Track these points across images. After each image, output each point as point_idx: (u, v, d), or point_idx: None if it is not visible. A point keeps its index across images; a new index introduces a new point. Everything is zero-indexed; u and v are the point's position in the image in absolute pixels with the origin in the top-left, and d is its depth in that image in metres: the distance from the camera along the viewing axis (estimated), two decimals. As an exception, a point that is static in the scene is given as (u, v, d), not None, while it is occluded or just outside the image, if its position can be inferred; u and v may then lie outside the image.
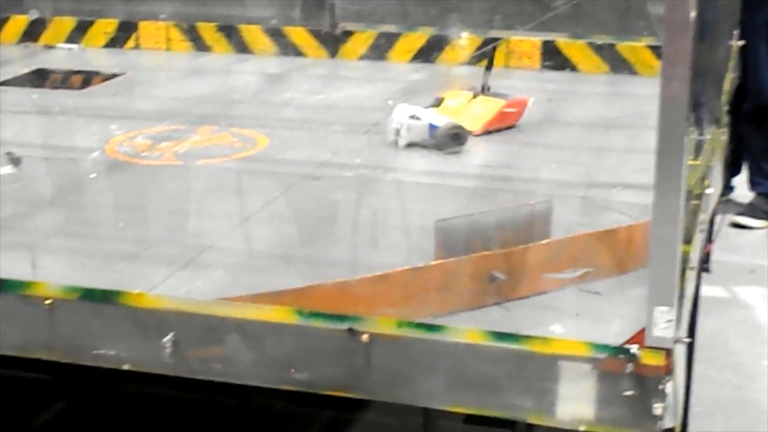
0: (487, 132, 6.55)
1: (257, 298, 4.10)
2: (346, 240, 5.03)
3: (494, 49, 7.32)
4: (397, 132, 6.31)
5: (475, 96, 6.85)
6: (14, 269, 4.45)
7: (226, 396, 5.86)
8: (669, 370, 3.68)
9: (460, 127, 6.37)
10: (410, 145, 6.28)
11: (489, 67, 7.04)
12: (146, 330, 4.14)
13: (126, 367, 4.21)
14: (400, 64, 8.62)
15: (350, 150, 6.29)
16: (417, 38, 8.67)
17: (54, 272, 4.50)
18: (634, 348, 3.68)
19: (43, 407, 6.70)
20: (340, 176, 5.88)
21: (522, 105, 6.83)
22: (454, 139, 6.28)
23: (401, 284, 4.24)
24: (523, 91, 7.23)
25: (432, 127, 6.30)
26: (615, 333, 3.92)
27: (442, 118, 6.40)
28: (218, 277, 4.56)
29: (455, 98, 6.85)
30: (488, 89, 6.95)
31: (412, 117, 6.35)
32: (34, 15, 9.31)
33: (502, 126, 6.63)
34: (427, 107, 6.62)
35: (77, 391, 6.69)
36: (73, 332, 4.22)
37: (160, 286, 4.40)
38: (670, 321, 3.63)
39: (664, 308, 3.62)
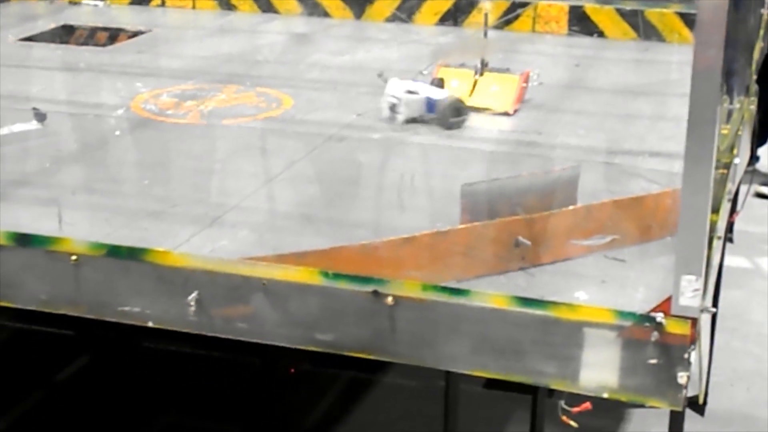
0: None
1: (282, 259, 4.11)
2: (370, 202, 5.02)
3: (486, 15, 7.03)
4: (394, 107, 6.08)
5: (477, 74, 6.54)
6: (40, 224, 4.47)
7: (248, 355, 5.89)
8: (694, 340, 3.67)
9: (460, 100, 6.13)
10: (409, 121, 6.07)
11: (485, 33, 6.85)
12: (171, 287, 4.15)
13: (150, 324, 4.23)
14: (426, 27, 8.57)
15: (377, 112, 6.25)
16: (443, 1, 8.61)
17: (79, 228, 4.51)
18: (659, 316, 3.67)
19: (65, 362, 6.74)
20: (365, 138, 5.86)
21: (525, 77, 6.55)
22: (454, 113, 6.04)
23: (426, 247, 4.23)
24: (551, 56, 7.19)
25: (430, 101, 6.08)
26: (640, 301, 3.91)
27: (440, 92, 6.18)
28: (243, 236, 4.56)
29: (457, 78, 6.52)
30: (487, 65, 6.58)
31: (409, 91, 6.13)
32: (62, -28, 9.30)
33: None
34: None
35: (100, 347, 6.73)
36: (98, 288, 4.24)
37: (185, 245, 4.40)
38: (696, 290, 3.62)
39: (692, 277, 3.61)
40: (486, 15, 7.23)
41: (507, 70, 6.59)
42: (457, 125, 6.03)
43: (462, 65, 6.61)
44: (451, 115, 6.02)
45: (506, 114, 6.25)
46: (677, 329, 3.65)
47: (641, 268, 4.31)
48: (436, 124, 6.02)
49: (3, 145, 5.60)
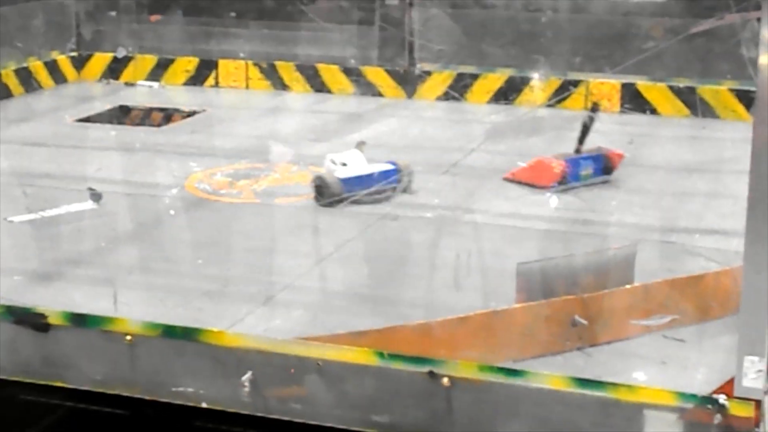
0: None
1: (337, 339, 4.08)
2: (425, 281, 5.00)
3: (591, 120, 6.93)
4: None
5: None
6: (96, 304, 4.49)
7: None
8: (758, 422, 3.59)
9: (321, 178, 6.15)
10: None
11: (581, 140, 6.72)
12: (225, 368, 4.13)
13: (204, 404, 4.20)
14: (478, 105, 8.59)
15: (429, 190, 6.26)
16: (495, 79, 8.65)
17: (134, 308, 4.52)
18: (722, 398, 3.60)
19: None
20: (418, 217, 5.86)
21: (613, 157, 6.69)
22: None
23: (482, 327, 4.20)
24: (604, 134, 7.17)
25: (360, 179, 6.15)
26: (701, 382, 3.84)
27: (372, 167, 6.26)
28: (297, 315, 4.55)
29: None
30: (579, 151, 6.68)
31: (342, 164, 6.29)
32: (122, 52, 9.45)
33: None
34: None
35: (152, 427, 6.71)
36: (152, 368, 4.23)
37: (240, 324, 4.40)
38: (760, 371, 3.54)
39: (755, 358, 3.54)
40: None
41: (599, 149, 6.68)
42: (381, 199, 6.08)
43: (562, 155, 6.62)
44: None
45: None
46: (741, 411, 3.57)
47: (701, 349, 4.24)
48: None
49: (60, 224, 5.66)
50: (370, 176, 6.13)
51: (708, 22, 7.60)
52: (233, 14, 9.33)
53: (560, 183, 6.43)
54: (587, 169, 6.54)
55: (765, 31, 3.34)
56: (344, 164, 6.23)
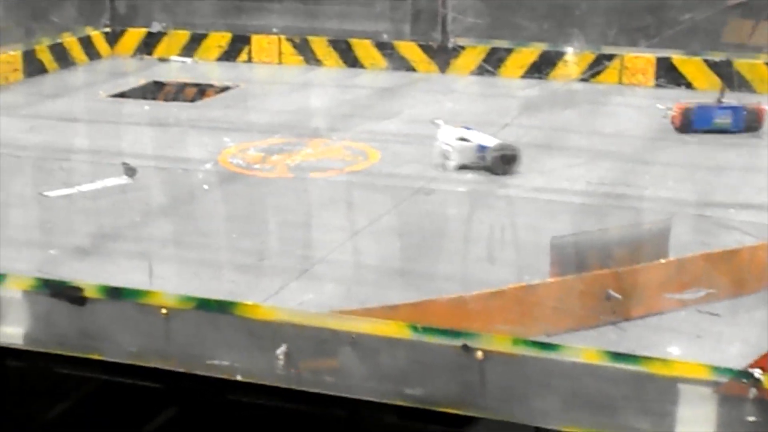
0: None
1: (370, 312, 4.09)
2: (459, 255, 5.00)
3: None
4: (445, 155, 6.23)
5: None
6: (131, 277, 4.52)
7: (335, 408, 5.87)
8: (794, 396, 3.57)
9: (512, 147, 6.24)
10: (461, 167, 6.18)
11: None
12: (259, 341, 4.15)
13: (239, 377, 4.23)
14: (511, 80, 8.56)
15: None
16: (529, 53, 8.61)
17: (169, 281, 4.55)
18: (757, 372, 3.58)
19: (154, 414, 6.78)
20: (452, 191, 5.85)
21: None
22: (504, 160, 6.14)
23: (516, 301, 4.19)
24: (639, 108, 7.14)
25: (481, 148, 6.21)
26: (736, 356, 3.82)
27: (491, 139, 6.29)
28: (331, 289, 4.56)
29: None
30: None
31: (461, 139, 6.26)
32: (156, 27, 9.48)
33: None
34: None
35: (187, 400, 6.75)
36: (187, 341, 4.26)
37: (274, 297, 4.41)
38: (796, 345, 3.53)
39: (790, 332, 3.53)
40: None
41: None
42: (507, 172, 6.11)
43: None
44: (500, 162, 6.13)
45: None
46: (776, 386, 3.56)
47: (737, 323, 4.22)
48: (487, 170, 6.12)
49: (95, 199, 5.69)
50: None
51: None
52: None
53: (680, 129, 6.87)
54: (723, 119, 6.97)
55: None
56: (464, 139, 6.24)
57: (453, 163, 6.18)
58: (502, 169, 6.07)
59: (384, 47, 9.05)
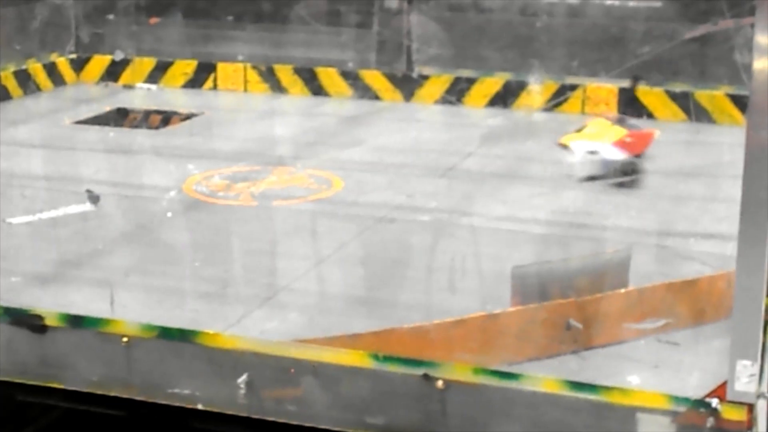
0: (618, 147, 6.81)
1: (332, 341, 4.10)
2: (421, 284, 5.01)
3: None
4: (575, 166, 6.61)
5: (612, 124, 7.15)
6: (92, 306, 4.50)
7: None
8: (750, 426, 3.60)
9: (633, 162, 6.62)
10: (589, 178, 6.54)
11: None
12: (221, 370, 4.15)
13: (200, 406, 4.22)
14: (476, 109, 8.60)
15: (426, 194, 6.28)
16: (493, 83, 8.67)
17: (131, 309, 4.53)
18: (715, 402, 3.61)
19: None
20: (415, 220, 5.87)
21: (643, 137, 6.99)
22: (625, 173, 6.53)
23: (478, 330, 4.21)
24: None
25: (606, 162, 6.58)
26: (694, 386, 3.85)
27: (618, 153, 6.64)
28: (293, 318, 4.56)
29: (596, 126, 7.12)
30: (624, 120, 7.24)
31: (590, 152, 6.62)
32: (119, 56, 9.46)
33: (631, 151, 6.85)
34: (569, 132, 6.99)
35: (150, 429, 6.71)
36: (149, 370, 4.25)
37: (236, 326, 4.41)
38: (753, 375, 3.56)
39: (747, 362, 3.55)
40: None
41: (634, 127, 7.09)
42: (629, 184, 6.47)
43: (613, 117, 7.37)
44: (622, 175, 6.51)
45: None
46: (733, 415, 3.59)
47: (695, 352, 4.26)
48: (610, 181, 6.47)
49: (58, 226, 5.67)
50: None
51: (702, 27, 7.64)
52: (231, 17, 9.34)
53: None
54: None
55: (758, 36, 3.35)
56: (594, 152, 6.59)
57: (581, 174, 6.59)
58: (621, 179, 6.51)
59: (349, 76, 9.07)
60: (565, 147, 6.83)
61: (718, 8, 7.55)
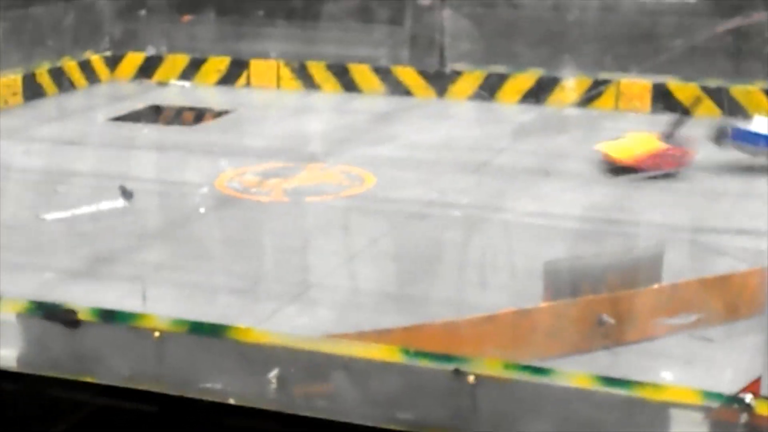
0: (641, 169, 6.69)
1: (363, 336, 4.09)
2: (452, 280, 4.99)
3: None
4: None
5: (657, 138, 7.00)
6: (125, 301, 4.52)
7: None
8: (785, 422, 3.56)
9: None
10: None
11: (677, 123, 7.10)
12: (252, 365, 4.14)
13: (231, 401, 4.21)
14: (508, 105, 8.57)
15: (458, 190, 6.26)
16: (526, 79, 8.62)
17: (163, 304, 4.54)
18: (748, 397, 3.57)
19: (148, 438, 6.76)
20: (446, 216, 5.85)
21: (682, 153, 6.87)
22: None
23: (508, 326, 4.19)
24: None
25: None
26: (728, 381, 3.82)
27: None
28: (324, 313, 4.56)
29: (634, 139, 7.02)
30: (671, 136, 6.97)
31: None
32: (150, 51, 9.50)
33: (656, 167, 6.70)
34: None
35: (182, 424, 6.73)
36: (180, 365, 4.25)
37: (267, 322, 4.41)
38: (787, 371, 3.52)
39: (782, 358, 3.52)
40: None
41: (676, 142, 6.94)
42: None
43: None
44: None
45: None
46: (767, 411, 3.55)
47: (729, 348, 4.21)
48: None
49: (91, 222, 5.69)
50: None
51: (735, 20, 7.57)
52: (263, 14, 9.35)
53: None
54: None
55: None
56: None
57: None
58: None
59: (382, 72, 9.06)
60: (601, 153, 6.76)
61: (752, 2, 7.49)
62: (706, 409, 3.64)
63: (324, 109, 8.65)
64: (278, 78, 9.33)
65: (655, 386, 3.71)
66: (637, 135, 7.08)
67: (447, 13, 8.83)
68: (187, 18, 9.60)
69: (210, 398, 4.24)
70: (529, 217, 5.82)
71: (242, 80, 9.42)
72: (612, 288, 4.40)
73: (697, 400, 3.67)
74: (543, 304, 4.32)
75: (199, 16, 9.57)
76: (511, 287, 4.83)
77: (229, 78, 9.43)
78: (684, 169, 6.76)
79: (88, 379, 4.39)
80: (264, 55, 9.37)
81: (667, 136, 6.91)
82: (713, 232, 5.52)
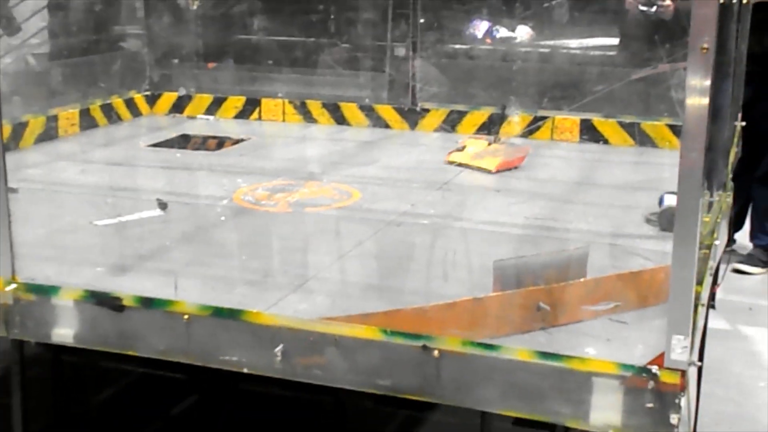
0: (499, 171, 6.94)
1: (350, 319, 4.10)
2: (422, 274, 5.01)
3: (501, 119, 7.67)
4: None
5: (489, 144, 7.25)
6: (160, 290, 4.51)
7: (323, 395, 5.84)
8: (683, 388, 3.60)
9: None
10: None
11: (497, 131, 7.49)
12: (262, 341, 4.15)
13: (245, 370, 4.22)
14: (466, 136, 8.57)
15: (426, 203, 6.28)
16: (480, 115, 8.65)
17: (191, 293, 4.54)
18: (655, 368, 3.61)
19: (179, 400, 6.74)
20: (417, 223, 5.87)
21: (524, 152, 7.18)
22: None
23: (466, 311, 4.20)
24: (566, 159, 7.18)
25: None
26: (639, 355, 3.84)
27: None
28: (320, 300, 4.56)
29: (474, 145, 7.21)
30: (498, 140, 7.35)
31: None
32: (182, 92, 9.49)
33: (509, 167, 7.00)
34: (450, 151, 7.05)
35: (206, 388, 6.73)
36: (204, 341, 4.25)
37: (274, 307, 4.41)
38: (685, 347, 3.55)
39: (681, 336, 3.55)
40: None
41: (512, 145, 7.25)
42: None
43: (487, 138, 7.47)
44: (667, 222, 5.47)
45: (489, 171, 6.87)
46: (669, 379, 3.58)
47: (639, 329, 4.24)
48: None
49: (133, 227, 5.68)
50: None
51: (645, 70, 7.64)
52: (271, 62, 9.35)
53: None
54: None
55: (689, 78, 3.36)
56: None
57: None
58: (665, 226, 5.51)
59: (366, 109, 9.07)
60: (453, 164, 6.93)
61: (659, 55, 7.55)
62: (621, 378, 3.70)
63: (320, 138, 8.65)
64: (284, 113, 9.32)
65: (582, 359, 3.76)
66: (473, 142, 7.35)
67: (419, 63, 8.85)
68: (211, 65, 9.60)
69: (228, 368, 4.26)
70: (483, 224, 5.84)
71: (255, 115, 9.41)
72: (548, 281, 4.42)
73: (615, 371, 3.72)
74: (493, 294, 4.33)
75: (221, 63, 9.57)
76: (468, 281, 4.84)
77: (244, 113, 9.41)
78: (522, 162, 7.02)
79: (131, 353, 4.39)
80: (272, 95, 9.36)
81: (496, 140, 7.24)
82: (628, 237, 5.55)
